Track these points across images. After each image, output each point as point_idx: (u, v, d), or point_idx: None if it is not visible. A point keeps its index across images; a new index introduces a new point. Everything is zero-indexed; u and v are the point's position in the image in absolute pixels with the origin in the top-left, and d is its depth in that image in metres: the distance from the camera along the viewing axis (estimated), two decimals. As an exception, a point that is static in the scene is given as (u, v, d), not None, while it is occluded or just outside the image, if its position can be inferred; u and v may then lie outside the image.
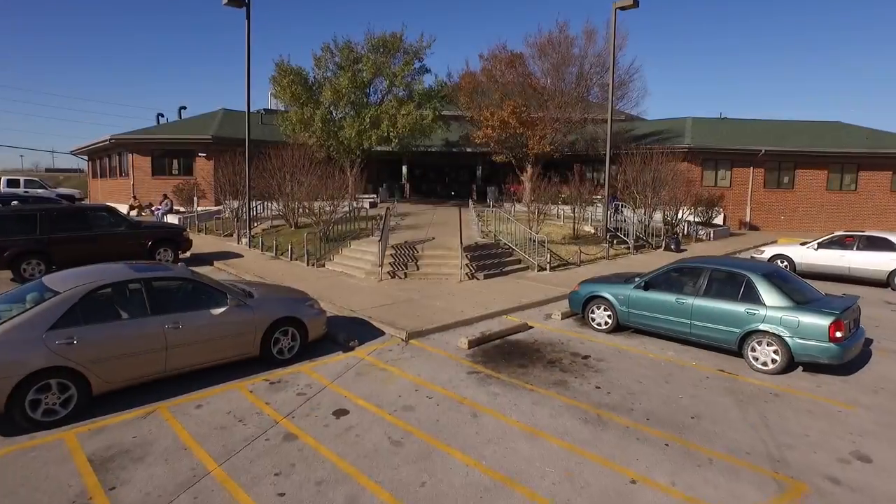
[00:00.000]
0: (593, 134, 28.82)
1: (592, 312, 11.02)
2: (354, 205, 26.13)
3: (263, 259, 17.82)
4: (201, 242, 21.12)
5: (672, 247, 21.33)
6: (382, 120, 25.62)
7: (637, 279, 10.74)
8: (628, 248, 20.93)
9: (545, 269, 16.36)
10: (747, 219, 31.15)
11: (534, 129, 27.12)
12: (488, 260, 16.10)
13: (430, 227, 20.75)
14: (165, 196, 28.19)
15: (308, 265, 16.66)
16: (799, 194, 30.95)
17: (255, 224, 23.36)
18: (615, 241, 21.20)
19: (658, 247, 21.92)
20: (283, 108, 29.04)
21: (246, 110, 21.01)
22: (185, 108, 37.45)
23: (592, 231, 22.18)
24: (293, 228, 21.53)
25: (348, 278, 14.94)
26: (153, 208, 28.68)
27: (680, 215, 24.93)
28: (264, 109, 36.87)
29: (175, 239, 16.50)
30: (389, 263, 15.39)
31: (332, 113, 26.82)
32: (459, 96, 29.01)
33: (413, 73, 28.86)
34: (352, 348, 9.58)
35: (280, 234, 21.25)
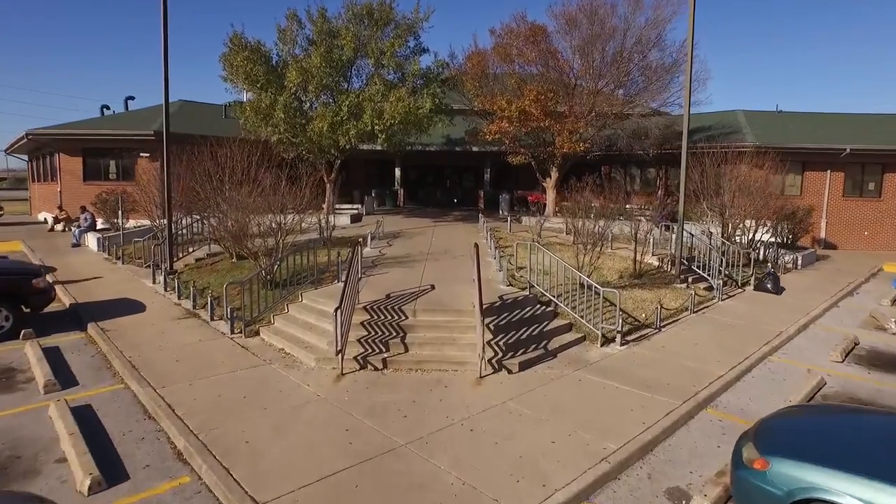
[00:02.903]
0: (636, 128, 22.57)
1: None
2: (331, 220, 19.97)
3: (172, 316, 11.60)
4: (109, 280, 14.93)
5: (768, 286, 15.16)
6: (365, 109, 19.36)
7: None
8: (709, 287, 14.77)
9: (615, 341, 10.20)
10: (821, 234, 25.00)
11: (563, 121, 20.91)
12: (522, 329, 9.91)
13: (427, 259, 14.54)
14: (84, 209, 21.97)
15: (233, 332, 10.46)
16: (888, 204, 24.80)
17: (190, 251, 17.19)
18: (690, 278, 15.01)
19: (745, 283, 15.77)
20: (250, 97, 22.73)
21: (164, 94, 14.85)
22: (132, 98, 31.23)
23: (656, 263, 15.95)
24: (235, 260, 15.32)
25: (287, 370, 8.72)
26: (74, 224, 22.48)
27: (757, 235, 18.80)
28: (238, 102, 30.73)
29: (17, 292, 10.28)
30: (360, 340, 9.21)
31: (300, 101, 20.54)
32: (465, 82, 22.80)
33: (406, 52, 22.66)
34: None
35: (214, 269, 15.04)
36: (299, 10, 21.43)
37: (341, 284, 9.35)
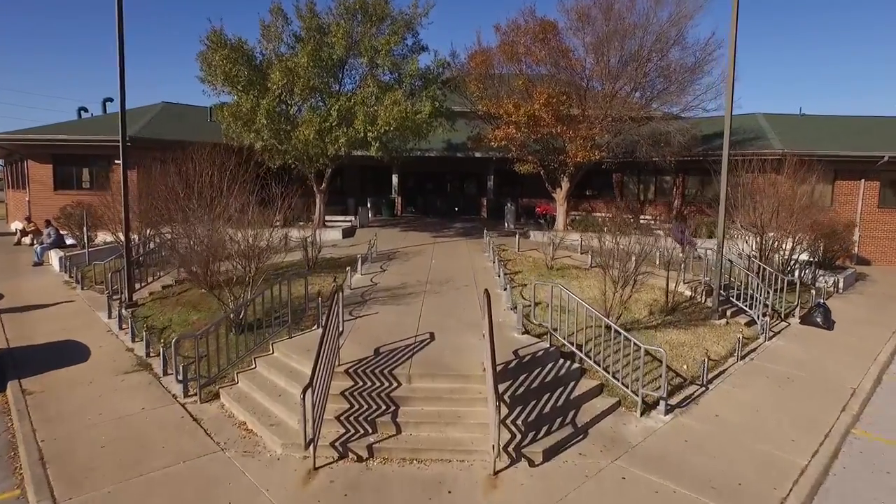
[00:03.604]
0: (656, 134, 20.54)
1: None
2: (320, 236, 17.99)
3: (118, 369, 9.61)
4: (59, 312, 12.98)
5: (818, 319, 13.18)
6: (356, 114, 17.36)
7: None
8: (750, 321, 12.80)
9: (656, 406, 8.24)
10: (854, 249, 23.04)
11: (576, 127, 18.91)
12: (544, 396, 7.94)
13: (426, 291, 12.54)
14: (49, 223, 20.00)
15: (187, 395, 8.49)
16: (927, 216, 22.86)
17: (159, 275, 15.24)
18: (728, 311, 13.03)
19: (788, 314, 13.82)
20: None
21: (119, 99, 12.94)
22: (111, 100, 29.20)
23: (688, 292, 13.96)
24: (205, 289, 13.30)
25: (245, 461, 6.74)
26: (41, 238, 20.50)
27: (796, 254, 16.82)
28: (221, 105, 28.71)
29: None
30: (340, 417, 7.24)
31: (286, 104, 18.53)
32: (468, 83, 20.80)
33: (403, 51, 20.68)
34: None
35: (181, 300, 13.05)
36: (286, 3, 19.44)
37: (321, 331, 7.36)
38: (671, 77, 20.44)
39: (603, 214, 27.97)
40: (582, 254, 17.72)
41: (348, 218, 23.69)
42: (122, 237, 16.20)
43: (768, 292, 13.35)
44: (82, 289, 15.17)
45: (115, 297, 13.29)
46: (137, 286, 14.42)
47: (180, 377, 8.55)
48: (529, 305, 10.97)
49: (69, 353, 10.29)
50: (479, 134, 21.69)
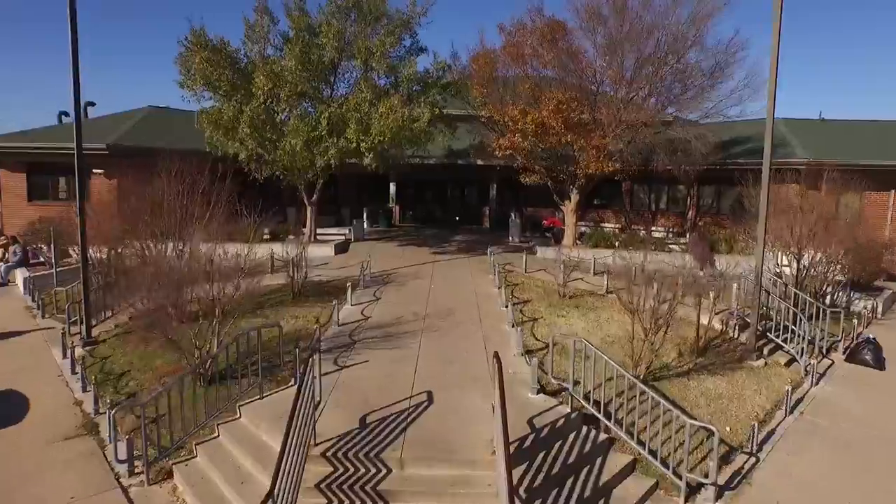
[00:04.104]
0: (674, 141, 18.99)
1: None
2: (309, 252, 16.54)
3: (57, 433, 8.09)
4: (9, 348, 11.48)
5: (867, 357, 11.67)
6: (349, 121, 15.83)
7: None
8: (790, 360, 11.28)
9: (704, 491, 6.73)
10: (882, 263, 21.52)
11: (588, 136, 17.38)
12: (566, 482, 6.43)
13: (423, 330, 11.00)
14: (14, 239, 18.49)
15: (133, 474, 6.99)
16: (964, 230, 21.38)
17: (128, 302, 13.70)
18: (764, 347, 11.53)
19: (831, 348, 12.32)
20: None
21: (73, 105, 11.44)
22: (92, 104, 27.61)
23: (717, 325, 12.40)
24: (177, 323, 11.78)
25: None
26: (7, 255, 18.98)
27: (830, 275, 15.32)
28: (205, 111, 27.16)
29: None
30: (312, 521, 5.74)
31: (272, 111, 16.97)
32: (470, 86, 19.27)
33: (401, 52, 19.19)
34: None
35: (147, 337, 11.49)
36: (273, 1, 17.95)
37: (294, 401, 5.85)
38: (689, 81, 18.94)
39: (612, 225, 26.51)
40: (595, 275, 16.21)
41: (342, 231, 22.19)
42: (102, 254, 14.83)
43: (811, 325, 11.83)
44: (43, 317, 13.70)
45: (74, 330, 11.83)
46: (104, 315, 12.96)
47: (120, 460, 7.03)
48: (544, 349, 9.47)
49: (3, 408, 8.78)
50: (482, 142, 20.20)
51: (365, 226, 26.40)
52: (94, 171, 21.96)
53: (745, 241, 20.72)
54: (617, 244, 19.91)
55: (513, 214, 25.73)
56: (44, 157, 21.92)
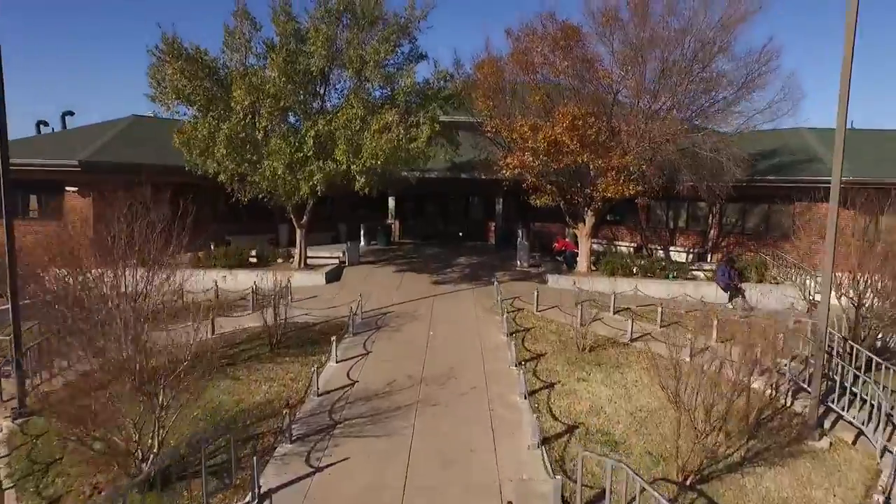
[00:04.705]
0: (698, 161, 17.09)
1: None
2: (295, 281, 14.84)
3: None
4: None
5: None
6: (337, 141, 14.05)
7: None
8: (856, 432, 9.43)
9: None
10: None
11: (606, 154, 15.54)
12: None
13: (420, 403, 9.16)
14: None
15: None
16: None
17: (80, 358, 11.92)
18: (825, 422, 9.69)
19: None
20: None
21: None
22: (71, 113, 25.85)
23: (765, 389, 10.52)
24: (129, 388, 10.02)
25: None
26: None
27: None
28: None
29: None
30: None
31: (253, 128, 15.15)
32: (475, 97, 17.45)
33: (399, 60, 17.41)
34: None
35: (101, 399, 9.75)
36: (256, 5, 16.12)
37: None
38: (716, 92, 17.11)
39: (627, 244, 24.66)
40: (616, 314, 14.42)
41: (335, 254, 20.39)
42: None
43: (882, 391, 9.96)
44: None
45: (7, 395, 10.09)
46: (50, 373, 11.19)
47: None
48: (564, 434, 7.68)
49: None
50: (488, 158, 18.39)
51: (362, 243, 24.71)
52: (68, 188, 20.30)
53: (776, 266, 18.91)
54: (635, 270, 18.10)
55: (520, 231, 23.93)
56: (13, 174, 20.19)
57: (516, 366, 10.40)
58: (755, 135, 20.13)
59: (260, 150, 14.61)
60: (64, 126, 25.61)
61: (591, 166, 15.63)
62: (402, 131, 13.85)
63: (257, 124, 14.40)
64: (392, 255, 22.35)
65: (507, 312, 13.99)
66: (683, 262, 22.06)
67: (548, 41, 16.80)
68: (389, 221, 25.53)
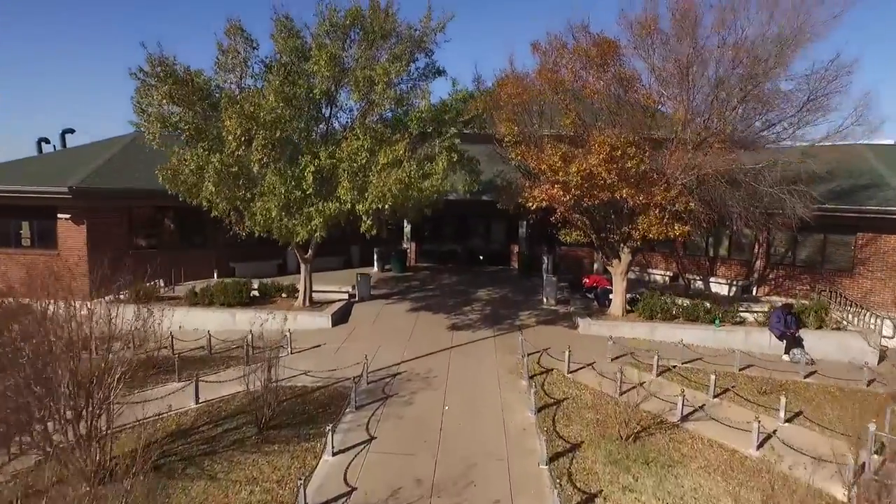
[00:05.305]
0: (755, 197, 14.96)
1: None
2: (298, 324, 13.24)
3: None
4: None
5: None
6: (339, 179, 12.35)
7: None
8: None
9: None
10: None
11: (649, 190, 13.60)
12: None
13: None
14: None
15: None
16: None
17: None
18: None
19: None
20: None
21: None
22: (71, 131, 24.57)
23: (841, 496, 8.51)
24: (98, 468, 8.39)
25: None
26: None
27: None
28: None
29: None
30: None
31: (248, 160, 13.47)
32: (497, 119, 15.63)
33: (414, 75, 15.73)
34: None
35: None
36: (255, 20, 14.51)
37: None
38: (773, 115, 15.06)
39: (661, 272, 22.59)
40: (660, 375, 12.50)
41: (344, 288, 18.71)
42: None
43: None
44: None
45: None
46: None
47: None
48: None
49: None
50: (511, 186, 16.56)
51: (375, 269, 23.08)
52: (60, 215, 18.96)
53: (839, 309, 16.75)
54: (675, 311, 16.10)
55: (545, 258, 22.06)
56: (3, 200, 18.95)
57: (547, 464, 8.60)
58: (805, 150, 17.84)
59: (254, 184, 12.95)
60: (64, 144, 24.34)
61: (631, 202, 13.69)
62: (415, 166, 12.07)
63: (252, 156, 12.73)
64: (406, 287, 20.61)
65: (534, 375, 12.17)
66: (726, 296, 19.99)
67: (580, 57, 14.93)
68: (405, 246, 23.80)
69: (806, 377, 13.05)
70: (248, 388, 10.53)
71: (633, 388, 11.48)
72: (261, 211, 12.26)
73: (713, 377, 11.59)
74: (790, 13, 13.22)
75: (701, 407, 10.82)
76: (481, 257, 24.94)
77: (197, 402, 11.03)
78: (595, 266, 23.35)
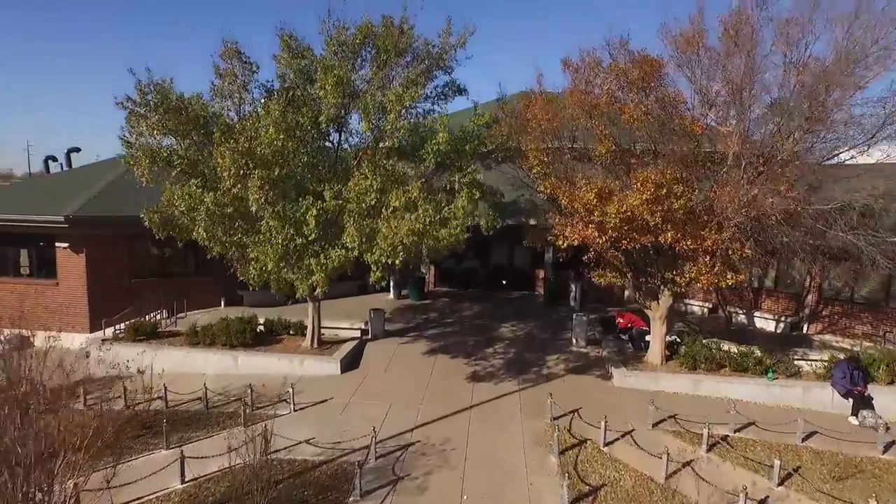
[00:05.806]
0: (820, 245, 13.08)
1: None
2: (303, 367, 11.88)
3: None
4: None
5: None
6: (345, 225, 10.93)
7: None
8: None
9: None
10: None
11: (698, 233, 11.89)
12: None
13: None
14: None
15: None
16: None
17: None
18: None
19: None
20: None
21: None
22: (77, 150, 23.47)
23: None
24: None
25: None
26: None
27: None
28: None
29: None
30: None
31: (245, 198, 12.09)
32: (524, 147, 14.06)
33: (431, 97, 14.31)
34: None
35: None
36: (249, 43, 13.19)
37: None
38: (836, 140, 13.22)
39: (700, 304, 20.78)
40: (710, 450, 10.83)
41: (357, 324, 17.32)
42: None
43: None
44: None
45: None
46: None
47: None
48: None
49: None
50: (538, 226, 14.98)
51: (391, 295, 21.70)
52: (58, 244, 17.93)
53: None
54: (721, 359, 14.35)
55: (573, 286, 20.49)
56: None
57: None
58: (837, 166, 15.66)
59: (252, 225, 11.58)
60: (69, 164, 23.36)
61: (681, 249, 12.00)
62: (431, 210, 10.55)
63: (249, 196, 11.36)
64: (423, 320, 19.13)
65: (566, 449, 10.62)
66: (773, 332, 18.16)
67: (617, 77, 13.26)
68: (422, 271, 22.35)
69: (885, 451, 11.23)
70: (244, 461, 9.12)
71: (680, 469, 9.92)
72: (254, 267, 10.88)
73: (777, 462, 9.87)
74: (869, 27, 11.37)
75: (764, 501, 9.16)
76: (504, 281, 23.38)
77: (183, 482, 9.74)
78: (626, 293, 21.58)
